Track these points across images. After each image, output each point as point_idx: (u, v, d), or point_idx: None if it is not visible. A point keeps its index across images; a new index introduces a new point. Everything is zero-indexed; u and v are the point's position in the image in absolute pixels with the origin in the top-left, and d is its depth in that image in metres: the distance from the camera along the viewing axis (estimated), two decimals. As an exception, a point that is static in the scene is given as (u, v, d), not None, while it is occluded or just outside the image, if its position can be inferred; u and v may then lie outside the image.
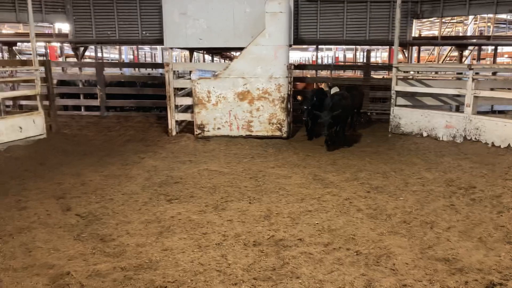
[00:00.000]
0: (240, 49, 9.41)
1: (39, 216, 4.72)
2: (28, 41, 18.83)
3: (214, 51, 19.73)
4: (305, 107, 8.78)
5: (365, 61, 13.59)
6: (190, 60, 14.24)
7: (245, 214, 4.80)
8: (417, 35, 20.56)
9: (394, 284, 3.31)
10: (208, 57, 24.37)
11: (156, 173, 6.54)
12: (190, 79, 9.45)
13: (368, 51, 13.53)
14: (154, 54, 35.42)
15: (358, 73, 18.50)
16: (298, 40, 15.49)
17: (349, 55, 36.06)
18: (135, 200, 5.30)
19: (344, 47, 29.75)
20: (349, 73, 21.08)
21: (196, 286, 3.30)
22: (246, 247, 3.98)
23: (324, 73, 17.95)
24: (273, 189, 5.73)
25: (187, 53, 19.66)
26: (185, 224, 4.53)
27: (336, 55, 32.61)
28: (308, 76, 15.50)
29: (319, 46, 19.07)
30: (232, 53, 22.50)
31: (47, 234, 4.24)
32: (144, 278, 3.42)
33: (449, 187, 5.76)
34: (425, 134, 9.07)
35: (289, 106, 9.15)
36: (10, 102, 12.15)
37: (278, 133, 9.17)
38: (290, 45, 9.41)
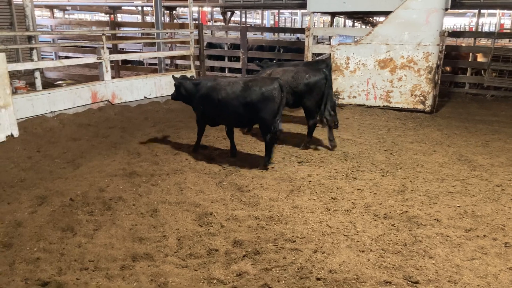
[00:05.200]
0: (386, 13, 8.76)
1: (189, 162, 5.40)
2: (185, 6, 20.82)
3: (355, 16, 18.80)
4: None
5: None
6: (331, 25, 13.90)
7: (377, 186, 4.67)
8: None
9: (551, 287, 2.87)
10: (348, 22, 23.40)
11: (290, 136, 6.76)
12: (329, 44, 9.29)
13: (548, 16, 11.16)
14: (294, 19, 35.75)
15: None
16: (456, 3, 13.62)
17: (519, 21, 30.31)
18: (270, 158, 5.61)
19: (513, 11, 25.08)
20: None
21: (323, 246, 3.40)
22: (376, 218, 3.89)
23: (483, 42, 15.61)
24: (410, 164, 5.39)
25: (326, 18, 19.21)
26: (315, 186, 4.63)
27: (501, 22, 27.72)
28: (463, 44, 13.63)
29: (481, 11, 16.44)
30: (375, 18, 21.10)
31: (195, 178, 4.85)
32: (275, 229, 3.67)
33: None
34: None
35: (436, 77, 8.29)
36: (168, 61, 13.82)
37: (420, 106, 8.47)
38: (446, 9, 8.38)
